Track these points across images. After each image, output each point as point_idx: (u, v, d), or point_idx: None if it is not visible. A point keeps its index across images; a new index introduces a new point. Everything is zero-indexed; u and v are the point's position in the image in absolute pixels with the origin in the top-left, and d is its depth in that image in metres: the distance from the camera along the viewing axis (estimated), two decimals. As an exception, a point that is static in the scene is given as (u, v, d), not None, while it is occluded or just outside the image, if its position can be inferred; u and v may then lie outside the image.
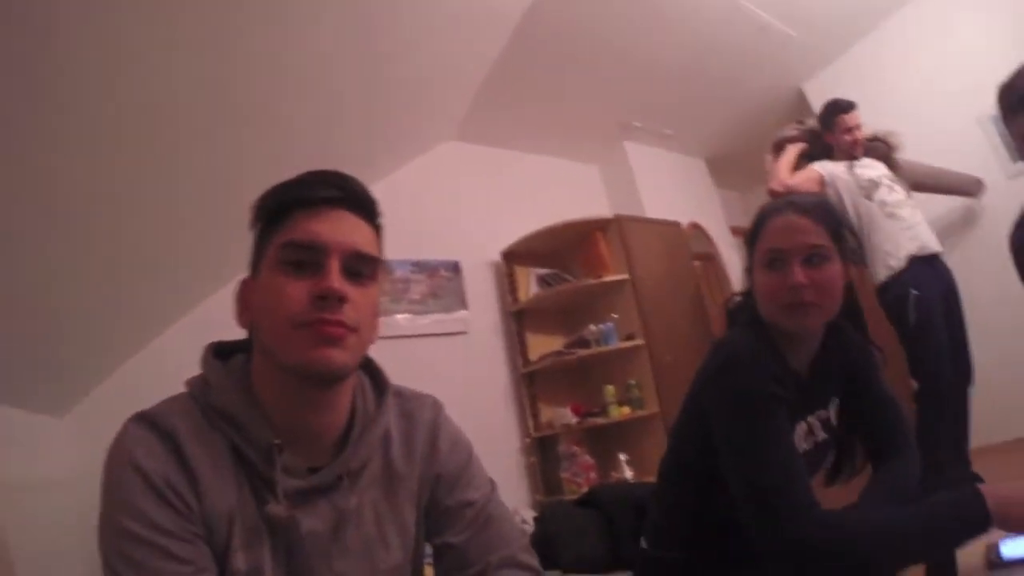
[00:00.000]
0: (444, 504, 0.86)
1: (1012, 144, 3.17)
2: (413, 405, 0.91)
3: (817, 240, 1.10)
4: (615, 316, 3.35)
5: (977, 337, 2.53)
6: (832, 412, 1.24)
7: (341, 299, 0.73)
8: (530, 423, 3.16)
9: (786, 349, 1.14)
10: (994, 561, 0.91)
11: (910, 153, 3.00)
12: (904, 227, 2.54)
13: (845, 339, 1.25)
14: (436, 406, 0.94)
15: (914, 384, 2.45)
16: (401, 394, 0.92)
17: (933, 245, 2.55)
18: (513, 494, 3.03)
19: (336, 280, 0.73)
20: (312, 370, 0.73)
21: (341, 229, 0.77)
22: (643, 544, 1.26)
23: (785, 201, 1.18)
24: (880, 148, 2.85)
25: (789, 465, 0.98)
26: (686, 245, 4.08)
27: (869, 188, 2.63)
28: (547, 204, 3.73)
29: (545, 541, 1.71)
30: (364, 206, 0.81)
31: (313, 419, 0.78)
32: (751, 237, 1.19)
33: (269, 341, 0.76)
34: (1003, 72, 2.65)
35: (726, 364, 1.07)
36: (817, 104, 3.71)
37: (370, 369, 0.91)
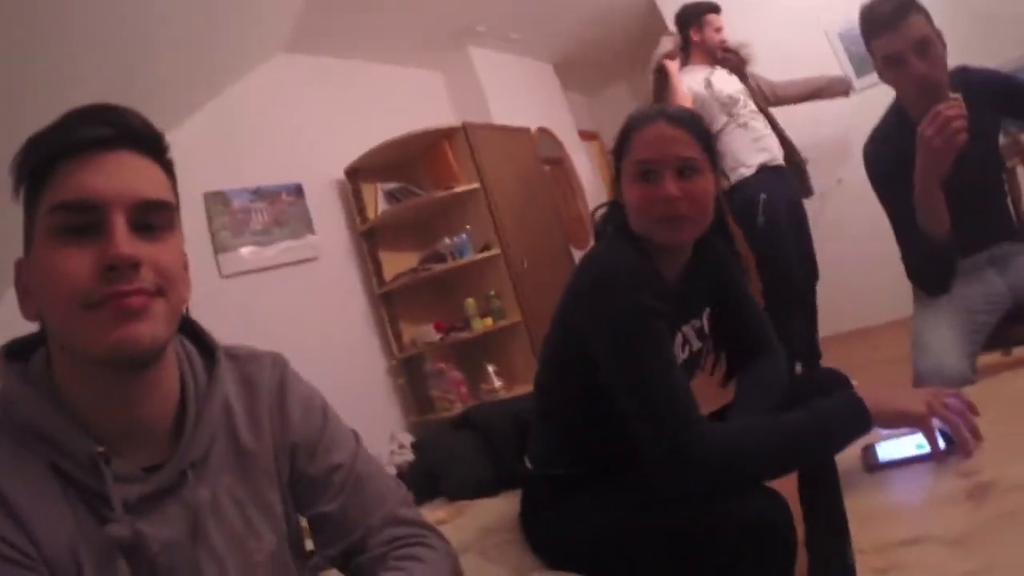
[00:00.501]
0: (309, 474, 0.77)
1: (859, 59, 3.46)
2: (252, 368, 0.79)
3: (689, 152, 1.08)
4: (468, 227, 3.33)
5: (822, 238, 2.85)
6: (704, 321, 1.28)
7: (135, 264, 0.61)
8: (393, 344, 3.13)
9: (658, 261, 1.13)
10: (872, 464, 0.94)
11: (760, 66, 3.12)
12: (755, 137, 2.71)
13: (713, 250, 1.27)
14: (278, 364, 0.81)
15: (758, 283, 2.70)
16: (236, 356, 0.79)
17: (780, 157, 2.74)
18: (386, 418, 3.02)
19: (124, 243, 0.60)
20: (118, 355, 0.60)
21: (121, 176, 0.63)
22: (527, 464, 1.25)
23: (656, 110, 1.15)
24: (732, 60, 2.92)
25: (674, 381, 0.99)
26: (535, 151, 4.11)
27: (729, 104, 2.72)
28: (390, 115, 3.53)
29: (426, 471, 1.75)
30: (146, 141, 0.66)
31: (136, 411, 0.66)
32: (619, 147, 1.16)
33: (60, 330, 0.62)
34: None
35: (600, 281, 1.05)
36: (668, 10, 3.72)
37: (192, 332, 0.77)
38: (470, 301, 3.24)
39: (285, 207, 2.98)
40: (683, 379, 1.02)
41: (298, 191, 3.08)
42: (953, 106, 1.32)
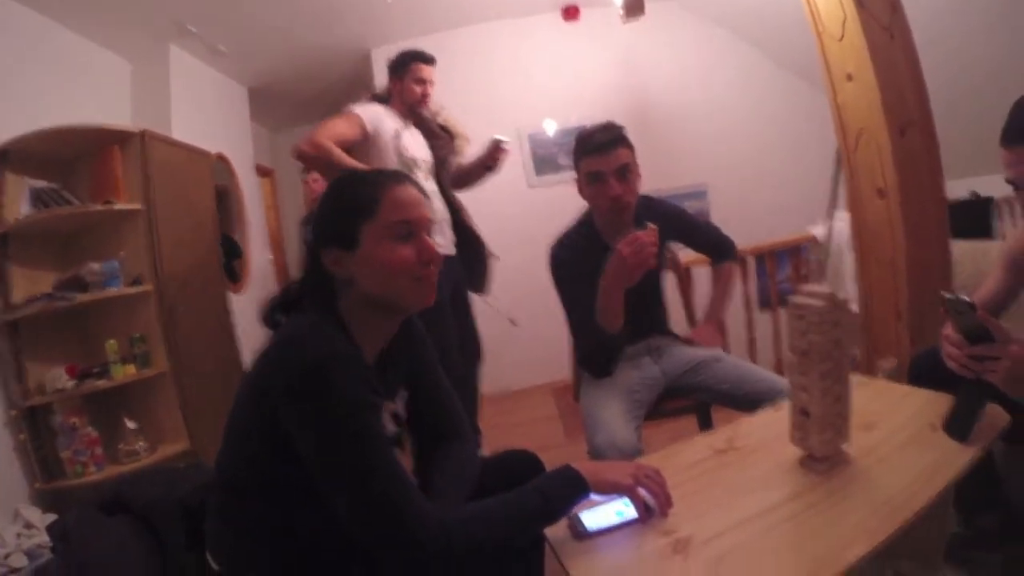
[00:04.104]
0: None
1: (540, 160, 4.76)
2: None
3: (429, 214, 1.22)
4: (122, 254, 3.12)
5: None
6: (400, 404, 1.32)
7: None
8: (14, 390, 2.68)
9: (363, 339, 1.17)
10: (579, 532, 1.11)
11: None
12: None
13: (412, 328, 1.36)
14: None
15: None
16: None
17: (450, 248, 2.85)
18: (7, 486, 2.57)
19: None
20: None
21: None
22: (213, 565, 1.18)
23: (399, 173, 1.24)
24: (442, 141, 3.00)
25: (400, 477, 1.03)
26: (211, 178, 4.02)
27: (409, 165, 2.69)
28: (60, 96, 3.13)
29: (76, 571, 1.46)
30: None
31: None
32: (360, 207, 1.16)
33: None
34: (545, 102, 4.09)
35: (313, 373, 1.01)
36: (381, 73, 4.13)
37: None
38: (112, 343, 3.00)
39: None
40: (405, 472, 1.05)
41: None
42: (650, 234, 1.70)
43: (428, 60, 2.84)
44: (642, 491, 1.15)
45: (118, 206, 3.07)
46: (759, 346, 3.55)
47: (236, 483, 1.15)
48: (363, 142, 2.63)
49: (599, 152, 1.91)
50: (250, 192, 4.74)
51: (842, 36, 2.36)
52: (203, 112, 4.18)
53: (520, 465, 1.39)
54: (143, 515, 1.51)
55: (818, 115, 4.93)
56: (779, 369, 3.50)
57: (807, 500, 1.16)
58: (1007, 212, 3.83)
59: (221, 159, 4.34)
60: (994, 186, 3.55)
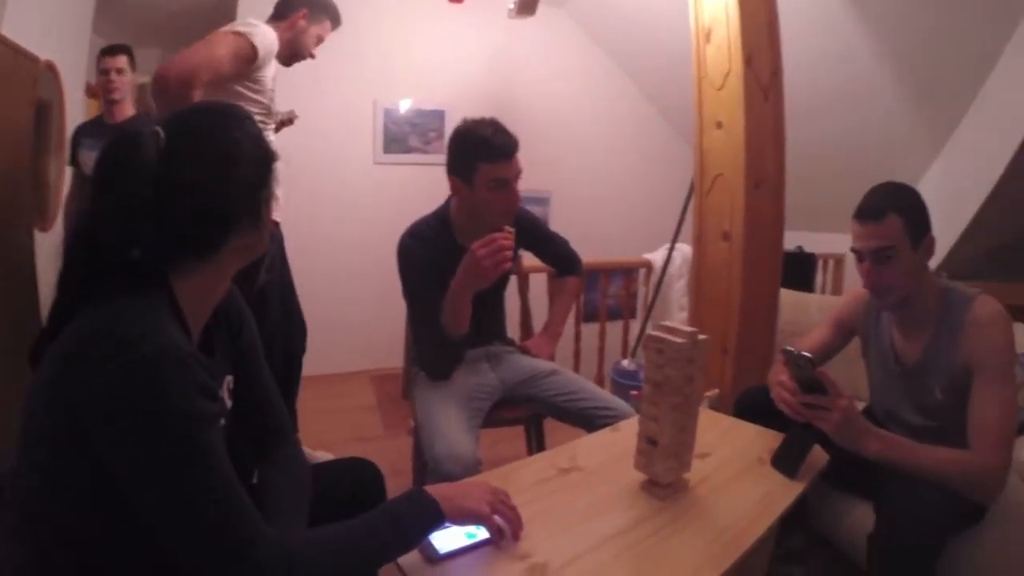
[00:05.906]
0: None
1: (391, 138, 4.82)
2: None
3: None
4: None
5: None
6: (226, 392, 1.18)
7: None
8: None
9: (193, 313, 1.05)
10: (432, 557, 1.09)
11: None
12: None
13: (234, 300, 1.23)
14: None
15: None
16: None
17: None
18: None
19: None
20: None
21: None
22: None
23: None
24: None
25: (238, 497, 0.91)
26: (34, 89, 3.57)
27: (267, 119, 2.50)
28: None
29: None
30: None
31: None
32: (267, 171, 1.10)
33: None
34: (406, 78, 4.49)
35: (136, 375, 0.85)
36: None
37: None
38: None
39: None
40: (243, 493, 0.92)
41: None
42: (507, 237, 1.72)
43: (337, 25, 2.73)
44: (496, 516, 1.17)
45: (-83, 103, 2.64)
46: (583, 358, 3.81)
47: (32, 493, 0.93)
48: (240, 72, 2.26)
49: (506, 158, 1.93)
50: (74, 113, 4.23)
51: (722, 87, 2.62)
52: (42, 11, 3.67)
53: (359, 476, 1.38)
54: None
55: (673, 154, 5.49)
56: (599, 380, 3.81)
57: (653, 525, 1.26)
58: (826, 269, 4.48)
59: (50, 69, 3.85)
60: (818, 244, 4.11)
